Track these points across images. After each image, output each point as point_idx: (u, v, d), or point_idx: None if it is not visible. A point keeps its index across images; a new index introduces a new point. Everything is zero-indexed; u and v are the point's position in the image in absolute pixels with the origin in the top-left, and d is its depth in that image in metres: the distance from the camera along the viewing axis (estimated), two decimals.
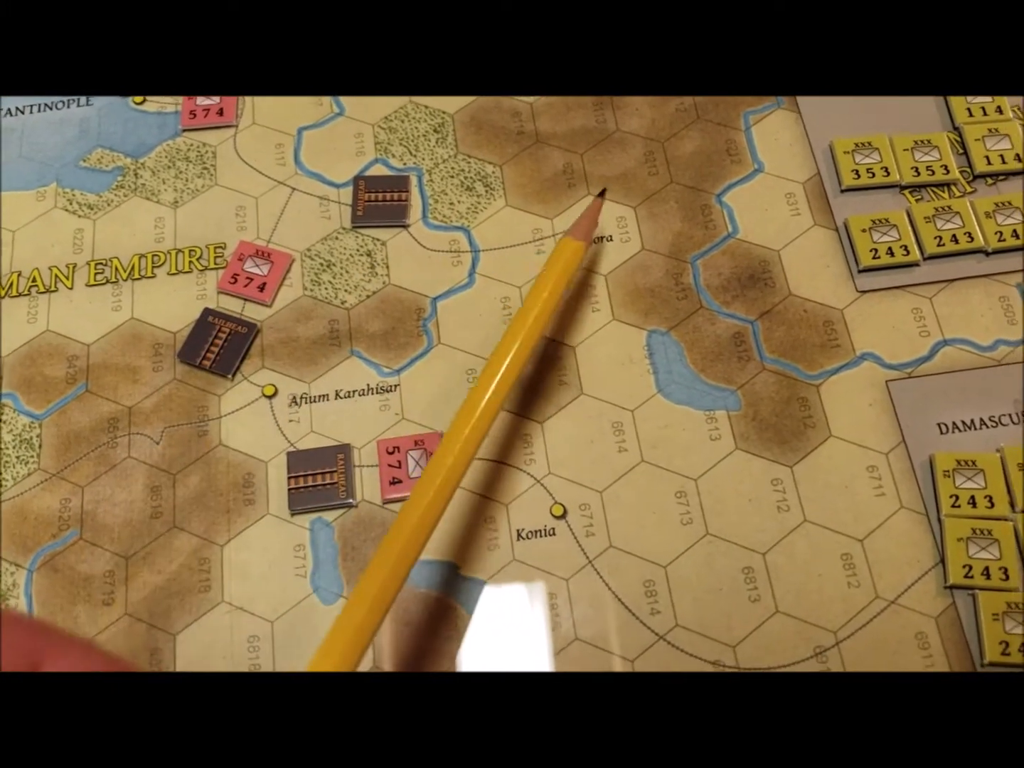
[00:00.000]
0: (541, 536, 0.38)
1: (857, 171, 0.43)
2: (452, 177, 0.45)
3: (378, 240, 0.44)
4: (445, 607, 0.37)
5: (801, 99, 0.45)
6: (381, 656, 0.36)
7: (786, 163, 0.44)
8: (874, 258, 0.42)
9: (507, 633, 0.36)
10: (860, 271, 0.42)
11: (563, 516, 0.38)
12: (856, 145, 0.44)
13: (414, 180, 0.45)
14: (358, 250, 0.43)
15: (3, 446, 0.40)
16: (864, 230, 0.42)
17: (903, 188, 0.43)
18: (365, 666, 0.36)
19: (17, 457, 0.40)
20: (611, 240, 0.43)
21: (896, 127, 0.44)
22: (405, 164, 0.45)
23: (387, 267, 0.43)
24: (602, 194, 0.41)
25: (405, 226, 0.44)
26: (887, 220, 0.42)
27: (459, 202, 0.44)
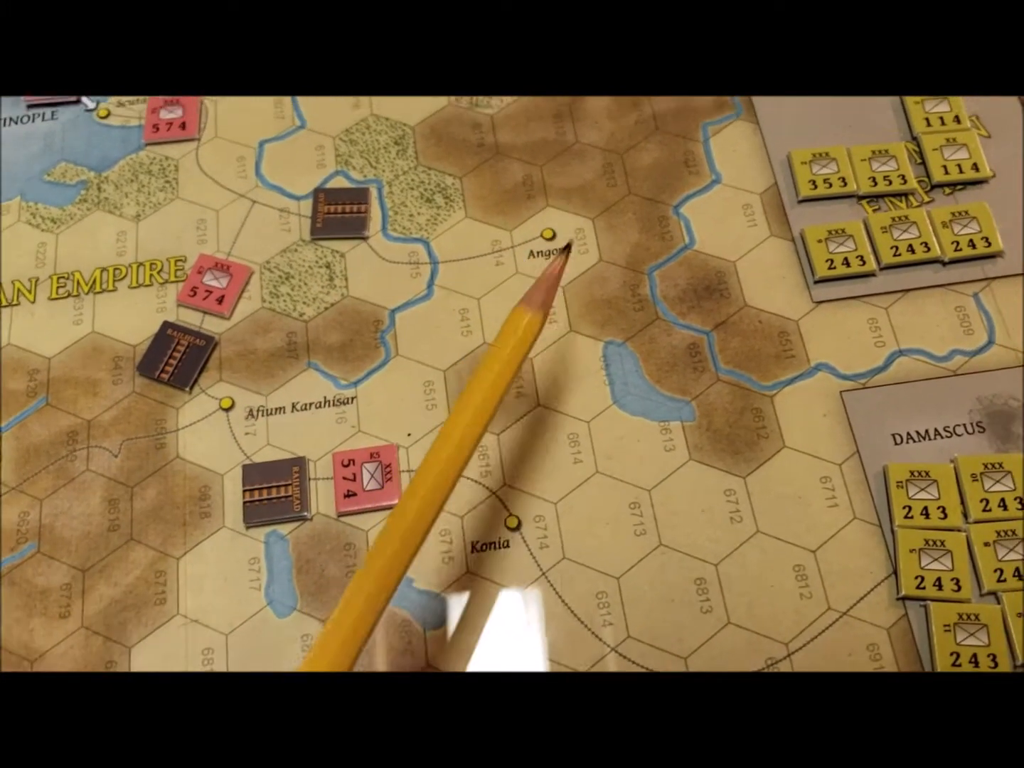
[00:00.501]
0: (495, 548, 0.38)
1: (814, 181, 0.44)
2: (412, 189, 0.45)
3: (337, 252, 0.44)
4: (399, 620, 0.37)
5: (760, 109, 0.46)
6: None
7: (744, 174, 0.44)
8: (830, 268, 0.42)
9: (461, 645, 0.37)
10: (816, 282, 0.42)
11: (517, 528, 0.38)
12: (814, 155, 0.44)
13: (374, 192, 0.45)
14: (317, 262, 0.44)
15: None
16: (820, 240, 0.42)
17: (860, 198, 0.44)
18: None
19: None
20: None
21: (854, 138, 0.45)
22: (365, 176, 0.45)
23: (346, 279, 0.43)
24: (567, 248, 0.35)
25: (364, 238, 0.44)
26: (843, 231, 0.42)
27: (419, 214, 0.44)
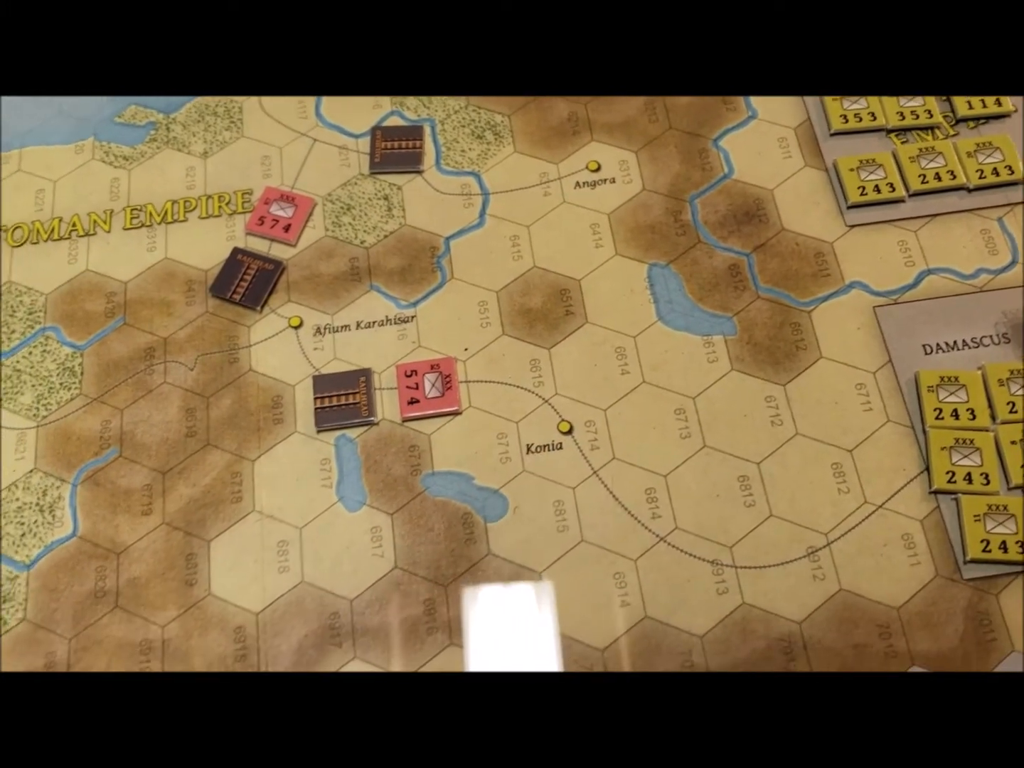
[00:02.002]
0: (549, 450, 0.41)
1: (845, 116, 0.46)
2: (463, 127, 0.48)
3: (394, 185, 0.46)
4: (463, 513, 0.40)
5: None
6: (404, 557, 0.39)
7: (778, 110, 0.47)
8: (862, 195, 0.44)
9: (519, 535, 0.39)
10: (849, 207, 0.44)
11: (569, 432, 0.41)
12: None
13: (428, 130, 0.48)
14: (376, 194, 0.46)
15: (48, 374, 0.43)
16: (852, 169, 0.45)
17: (889, 132, 0.46)
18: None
19: (60, 383, 0.43)
20: (614, 182, 0.46)
21: None
22: (419, 116, 0.48)
23: (403, 209, 0.46)
24: None
25: (419, 172, 0.47)
26: (874, 160, 0.45)
27: (470, 149, 0.47)
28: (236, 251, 0.45)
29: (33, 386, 0.43)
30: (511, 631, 0.38)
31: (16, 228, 0.47)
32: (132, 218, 0.46)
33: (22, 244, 0.46)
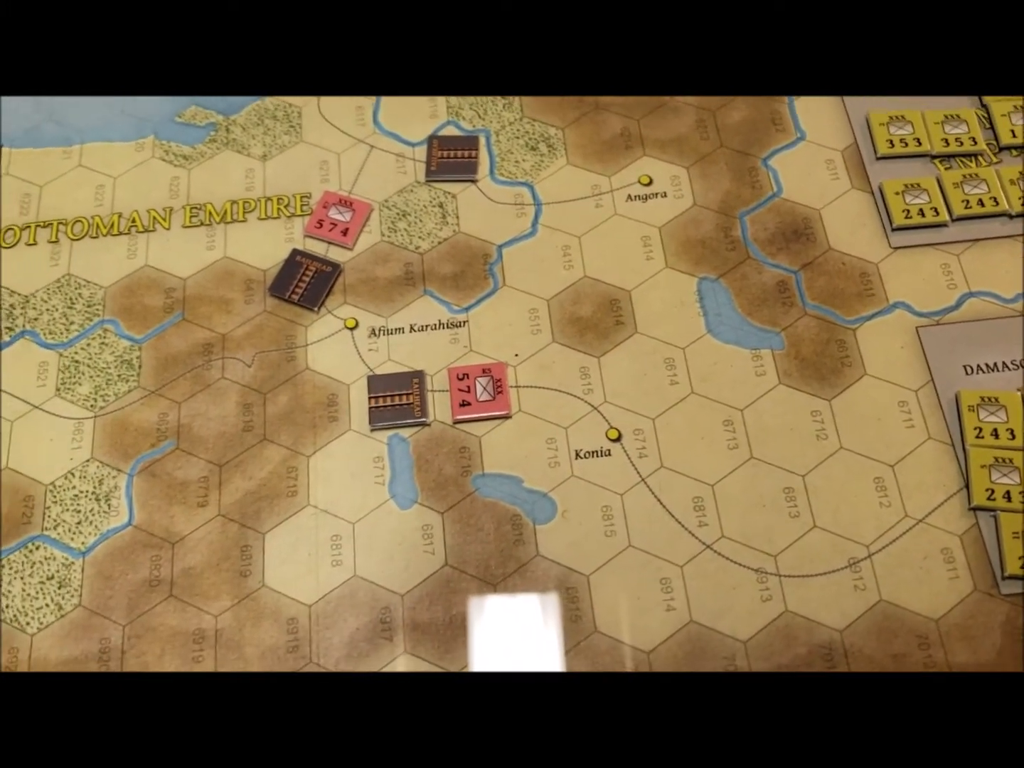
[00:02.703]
0: (598, 456, 0.41)
1: (891, 141, 0.47)
2: (518, 138, 0.49)
3: (449, 193, 0.48)
4: (512, 515, 0.40)
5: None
6: (455, 555, 0.40)
7: (826, 132, 0.48)
8: (906, 218, 0.45)
9: (568, 538, 0.40)
10: (893, 229, 0.45)
11: (618, 439, 0.42)
12: (891, 118, 0.48)
13: (483, 140, 0.49)
14: (431, 202, 0.47)
15: (106, 366, 0.44)
16: (897, 193, 0.46)
17: (933, 157, 0.47)
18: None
19: (119, 375, 0.44)
20: (665, 196, 0.47)
21: (927, 102, 0.48)
22: (475, 126, 0.49)
23: (457, 217, 0.47)
24: None
25: (474, 181, 0.48)
26: (918, 185, 0.46)
27: (524, 160, 0.48)
28: (295, 252, 0.46)
29: (91, 377, 0.44)
30: (554, 632, 0.38)
31: (76, 222, 0.48)
32: (191, 216, 0.47)
33: (81, 238, 0.47)
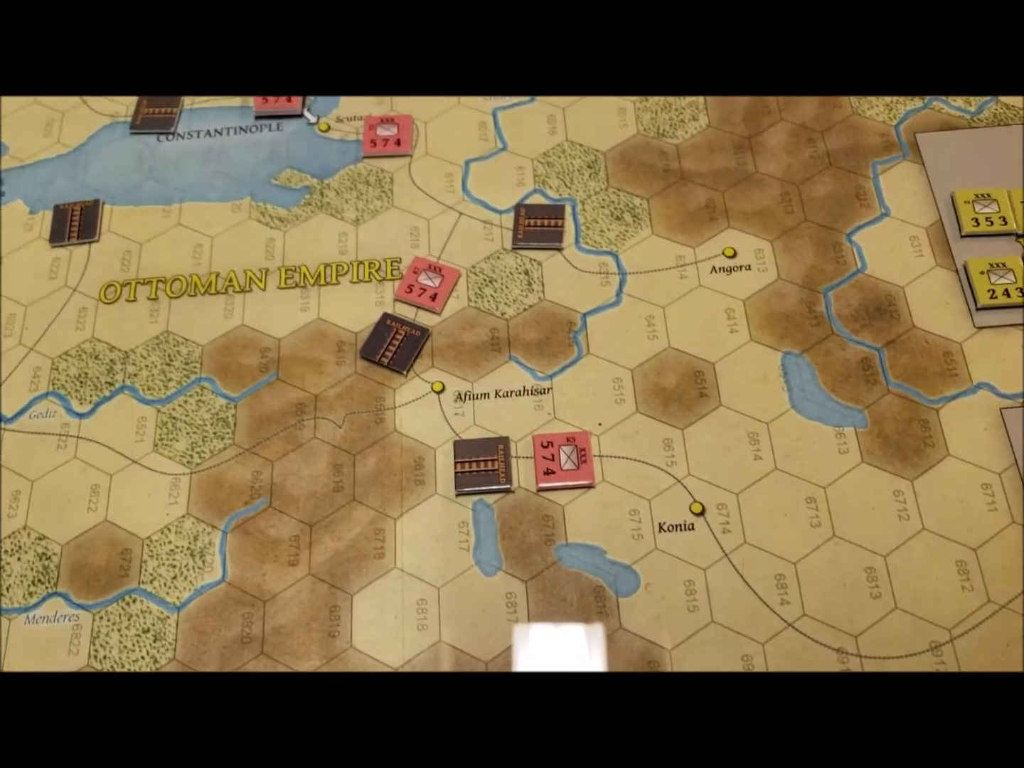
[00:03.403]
0: (681, 530, 0.42)
1: (977, 219, 0.47)
2: (603, 207, 0.50)
3: (535, 260, 0.49)
4: (595, 586, 0.41)
5: (925, 151, 0.50)
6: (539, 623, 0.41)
7: (910, 209, 0.48)
8: (991, 298, 0.45)
9: (650, 612, 0.40)
10: (978, 309, 0.46)
11: (701, 513, 0.42)
12: (976, 196, 0.48)
13: (568, 209, 0.50)
14: (517, 269, 0.48)
15: (202, 423, 0.46)
16: (982, 272, 0.46)
17: (1019, 236, 0.47)
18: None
19: (214, 433, 0.45)
20: (749, 269, 0.47)
21: (1012, 181, 0.49)
22: (561, 195, 0.50)
23: (542, 284, 0.48)
24: None
25: (559, 249, 0.49)
26: (1004, 264, 0.46)
27: (609, 230, 0.49)
28: (385, 316, 0.47)
29: (188, 434, 0.45)
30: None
31: (175, 280, 0.49)
32: (287, 278, 0.49)
33: (180, 296, 0.49)
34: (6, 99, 0.55)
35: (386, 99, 0.54)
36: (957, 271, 0.47)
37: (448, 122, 0.53)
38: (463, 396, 0.45)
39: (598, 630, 0.40)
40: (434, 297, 0.47)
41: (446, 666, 0.40)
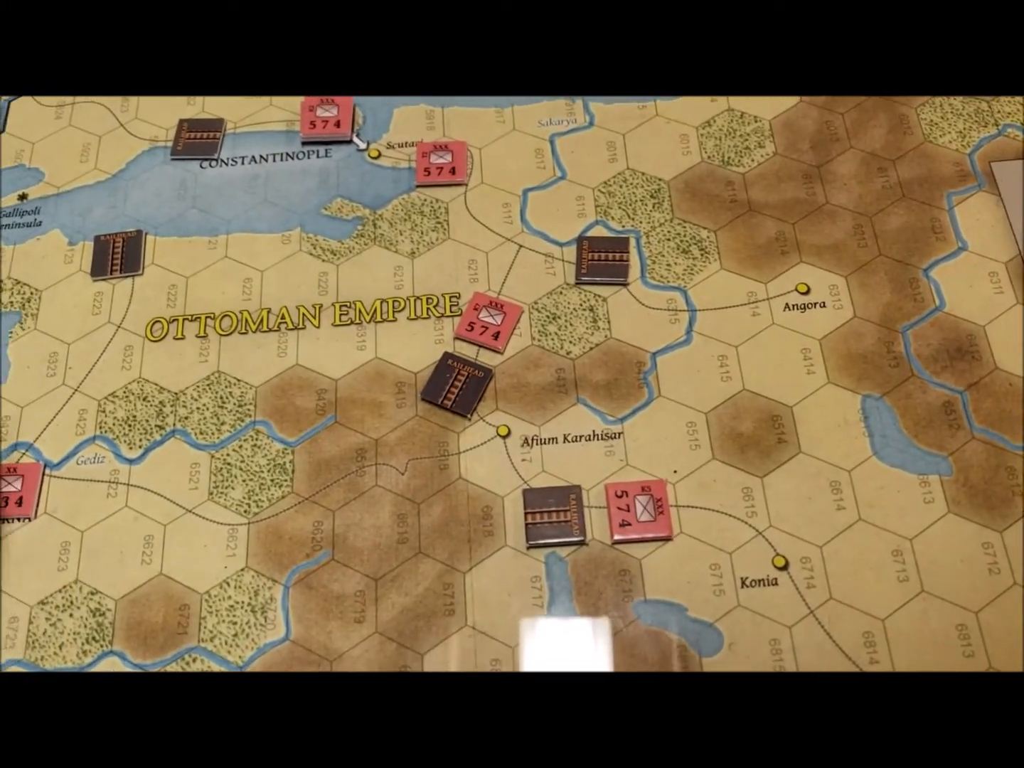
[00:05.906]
0: (764, 585, 0.40)
1: None
2: (669, 240, 0.48)
3: (599, 296, 0.47)
4: (677, 645, 0.40)
5: (1002, 182, 0.48)
6: None
7: (988, 243, 0.47)
8: None
9: (736, 671, 0.39)
10: None
11: (785, 567, 0.41)
12: None
13: (633, 242, 0.48)
14: (581, 305, 0.47)
15: (259, 469, 0.44)
16: None
17: None
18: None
19: (272, 480, 0.44)
20: (824, 307, 0.46)
21: None
22: (623, 227, 0.48)
23: (608, 322, 0.46)
24: None
25: (625, 284, 0.47)
26: None
27: (676, 264, 0.47)
28: (446, 356, 0.45)
29: (244, 481, 0.44)
30: None
31: (224, 316, 0.47)
32: (341, 315, 0.47)
33: (230, 333, 0.47)
34: (40, 124, 0.53)
35: (438, 124, 0.52)
36: None
37: (503, 148, 0.51)
38: (530, 441, 0.44)
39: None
40: (496, 335, 0.46)
41: None
